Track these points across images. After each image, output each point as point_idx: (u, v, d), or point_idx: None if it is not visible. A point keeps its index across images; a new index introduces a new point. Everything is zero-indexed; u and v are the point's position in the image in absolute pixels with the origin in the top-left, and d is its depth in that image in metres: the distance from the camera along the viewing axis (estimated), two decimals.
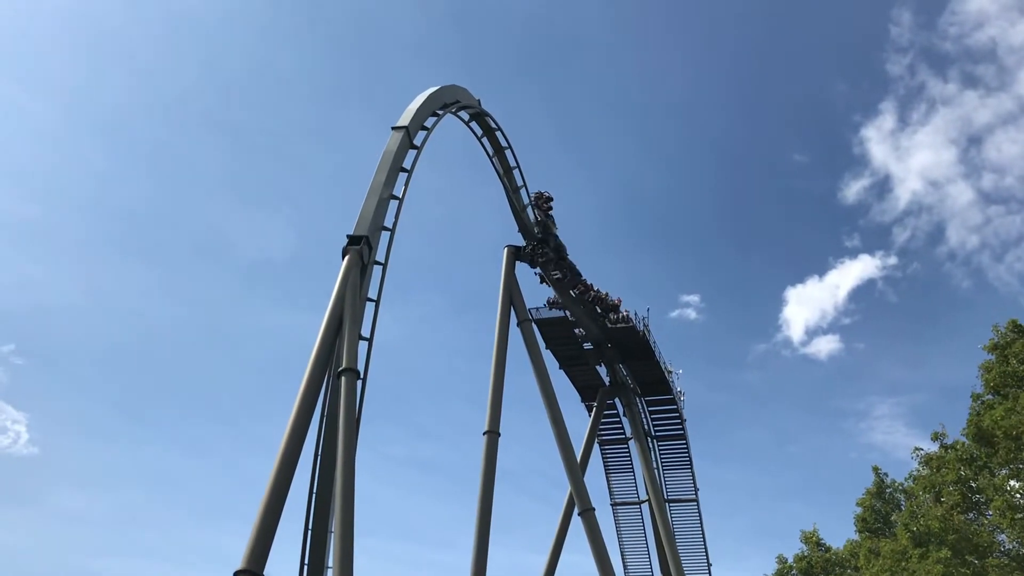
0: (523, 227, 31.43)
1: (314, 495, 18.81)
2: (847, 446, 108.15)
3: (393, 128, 23.93)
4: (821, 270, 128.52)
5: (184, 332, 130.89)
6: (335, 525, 17.30)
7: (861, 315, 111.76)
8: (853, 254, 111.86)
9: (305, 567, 18.17)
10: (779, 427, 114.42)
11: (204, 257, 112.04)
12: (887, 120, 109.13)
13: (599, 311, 35.82)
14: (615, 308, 36.11)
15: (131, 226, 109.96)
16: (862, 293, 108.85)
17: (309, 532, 18.47)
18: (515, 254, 31.26)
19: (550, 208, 32.87)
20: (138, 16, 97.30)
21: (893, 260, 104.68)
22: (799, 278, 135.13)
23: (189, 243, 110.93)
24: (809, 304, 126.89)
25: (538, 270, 32.73)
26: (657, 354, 37.97)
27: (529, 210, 31.82)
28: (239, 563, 16.17)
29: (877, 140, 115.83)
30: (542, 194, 32.93)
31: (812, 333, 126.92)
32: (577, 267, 34.27)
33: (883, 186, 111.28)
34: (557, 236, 33.02)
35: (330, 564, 17.39)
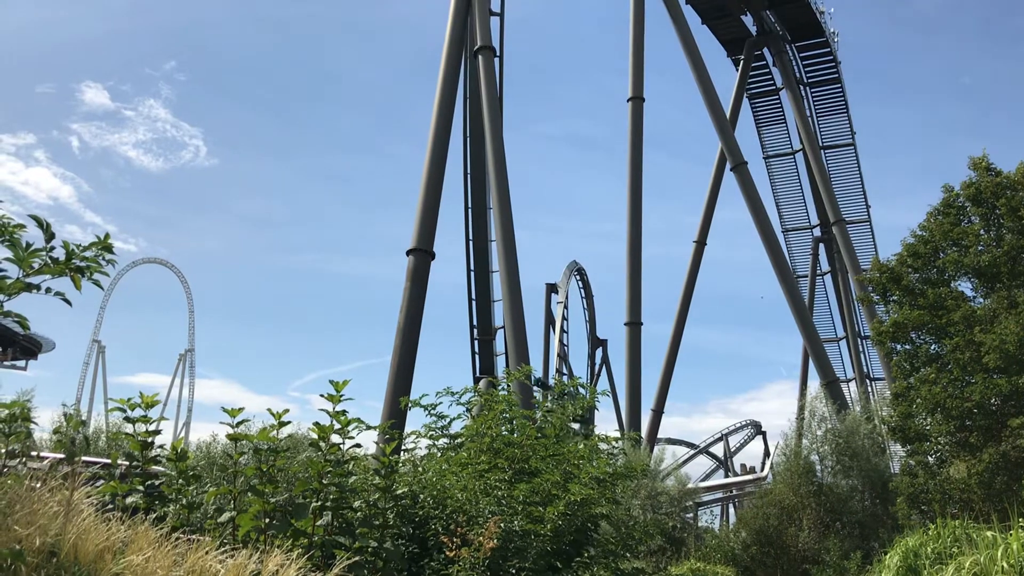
0: None
1: (468, 175, 19.49)
2: None
3: None
4: None
5: (321, 29, 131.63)
6: (493, 201, 18.01)
7: None
8: None
9: (470, 242, 19.35)
10: (951, 57, 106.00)
11: None
12: None
13: None
14: None
15: None
16: None
17: (469, 210, 19.40)
18: None
19: None
20: None
21: None
22: None
23: None
24: None
25: None
26: None
27: None
28: (410, 243, 17.40)
29: None
30: None
31: None
32: None
33: None
34: None
35: (493, 238, 18.40)
